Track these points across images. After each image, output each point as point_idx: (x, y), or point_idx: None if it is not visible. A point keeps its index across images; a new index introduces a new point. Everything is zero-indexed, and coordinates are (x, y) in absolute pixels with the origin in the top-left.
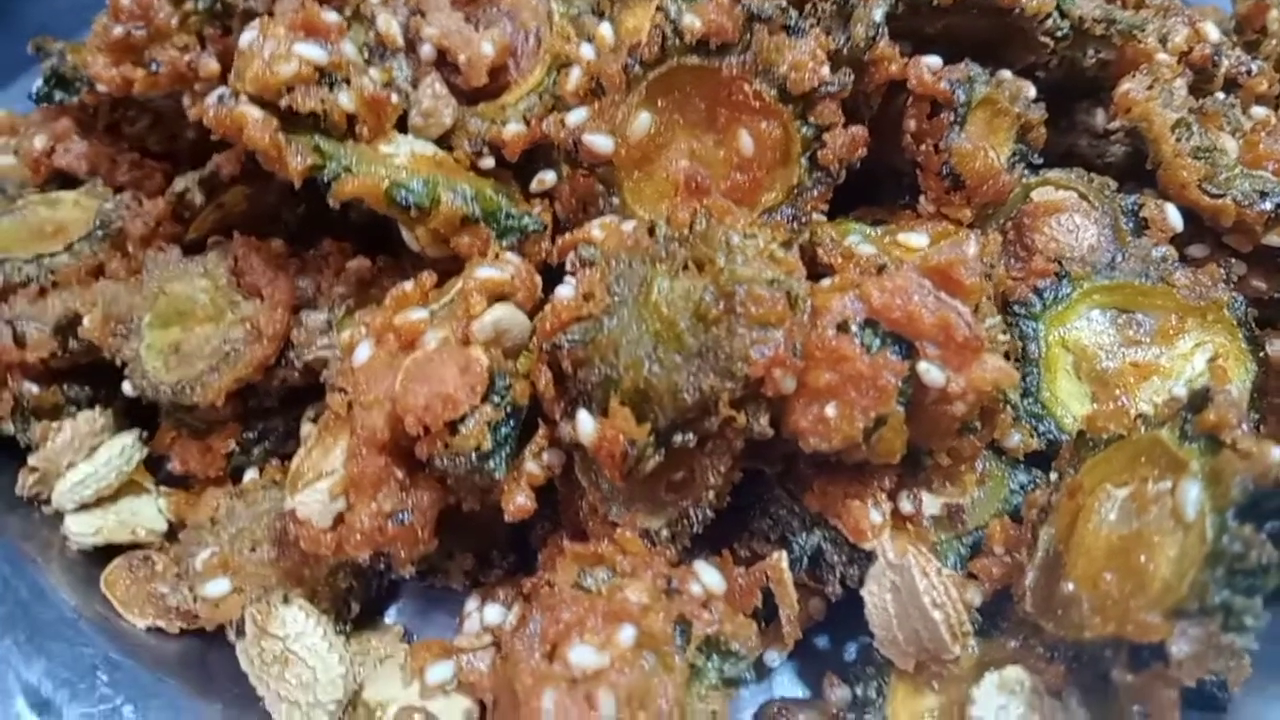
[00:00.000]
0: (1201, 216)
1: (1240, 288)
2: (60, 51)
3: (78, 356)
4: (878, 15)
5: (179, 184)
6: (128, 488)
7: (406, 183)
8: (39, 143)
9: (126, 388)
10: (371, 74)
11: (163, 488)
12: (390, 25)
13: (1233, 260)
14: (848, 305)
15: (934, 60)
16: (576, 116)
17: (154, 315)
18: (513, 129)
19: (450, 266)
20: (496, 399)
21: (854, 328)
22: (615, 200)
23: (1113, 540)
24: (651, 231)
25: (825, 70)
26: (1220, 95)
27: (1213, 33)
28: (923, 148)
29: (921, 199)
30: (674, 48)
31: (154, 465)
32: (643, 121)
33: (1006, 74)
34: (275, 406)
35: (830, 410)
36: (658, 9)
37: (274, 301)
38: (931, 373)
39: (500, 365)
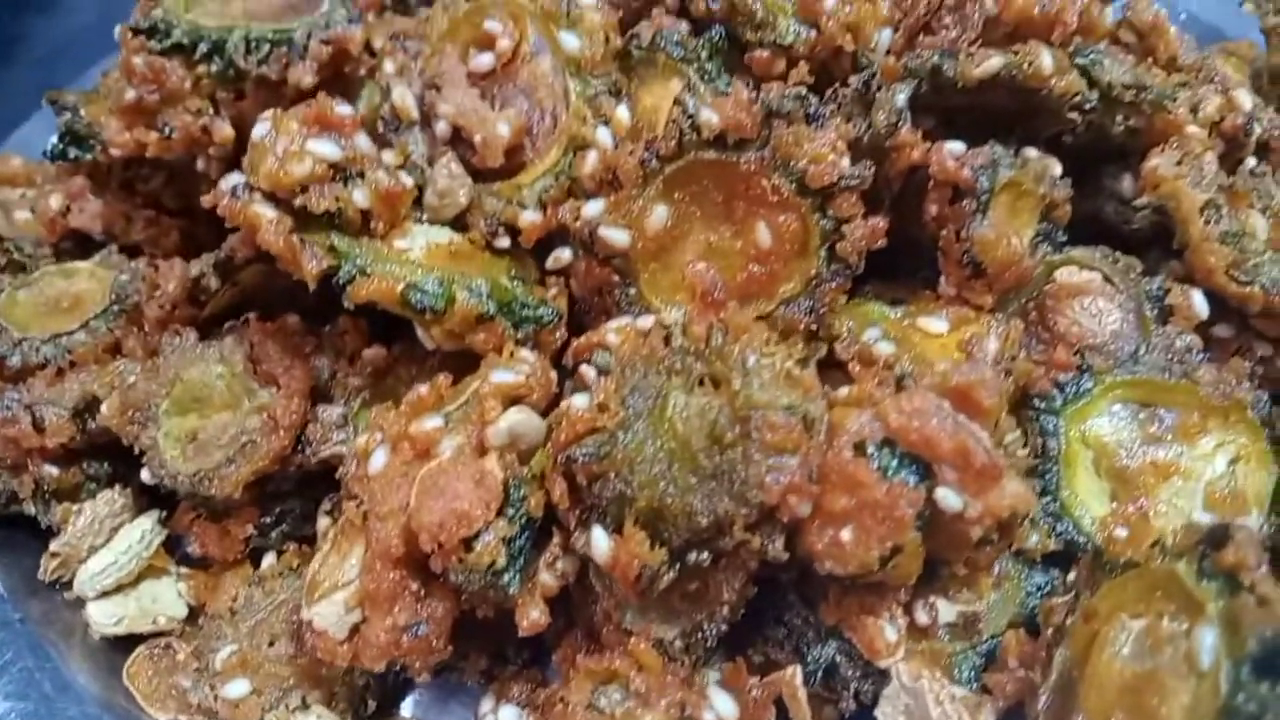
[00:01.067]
0: (1228, 301)
1: (1266, 370)
2: (74, 107)
3: (96, 436)
4: (900, 101)
5: (194, 268)
6: (147, 571)
7: (422, 284)
8: (54, 202)
9: (145, 475)
10: (386, 156)
11: (182, 569)
12: (405, 98)
13: (1257, 342)
14: (865, 425)
15: (957, 146)
16: (593, 208)
17: (171, 403)
18: (529, 217)
19: (465, 358)
20: (511, 511)
21: (871, 448)
22: (631, 290)
23: (1126, 676)
24: (667, 340)
25: (845, 163)
26: (1252, 161)
27: (1245, 101)
28: (944, 233)
29: (942, 281)
30: (691, 142)
31: (173, 542)
32: (659, 215)
33: (1032, 153)
34: (292, 490)
35: (846, 535)
36: (675, 102)
37: (290, 391)
38: (949, 499)
39: (515, 473)
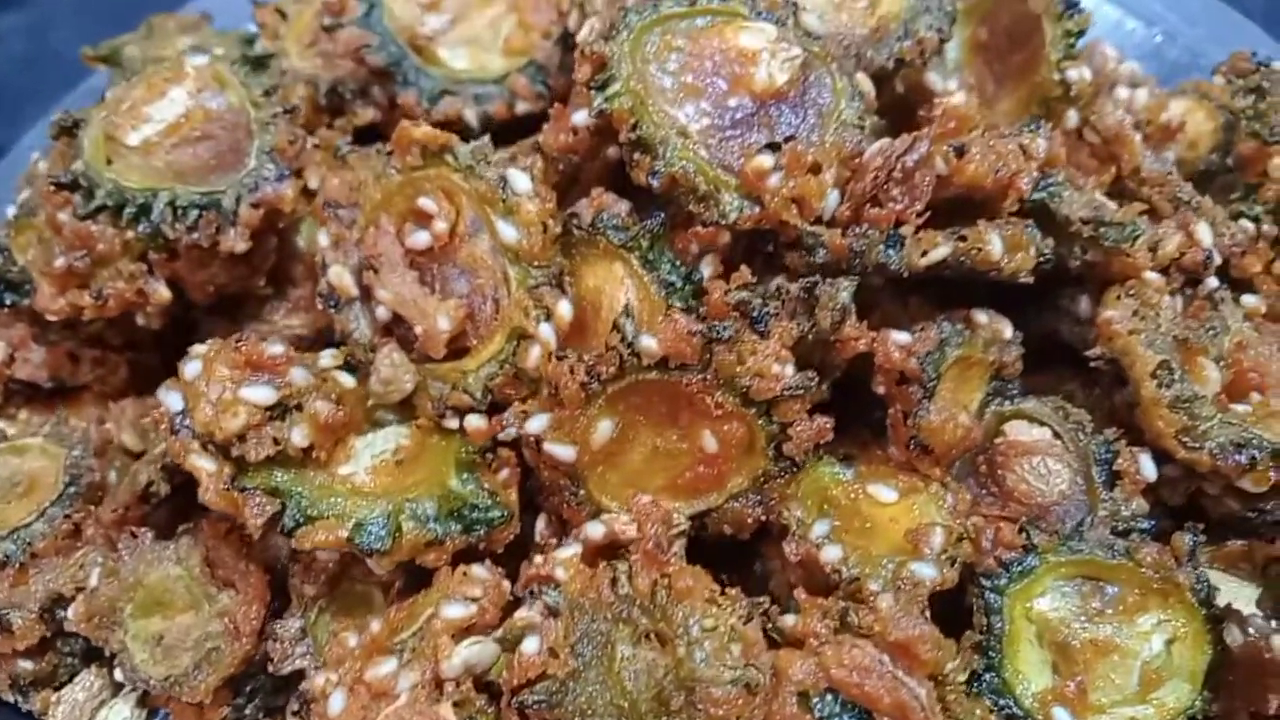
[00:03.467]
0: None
1: (1214, 505)
2: (5, 247)
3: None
4: (844, 299)
5: (142, 476)
6: None
7: (368, 525)
8: None
9: (118, 675)
10: (324, 358)
11: None
12: (343, 278)
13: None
14: (809, 675)
15: (902, 336)
16: (537, 424)
17: (135, 607)
18: (474, 423)
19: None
20: None
21: (815, 698)
22: (580, 491)
23: None
24: (614, 583)
25: (789, 371)
26: (1213, 283)
27: (1205, 238)
28: (891, 411)
29: (891, 448)
30: (633, 366)
31: (151, 712)
32: (604, 429)
33: (981, 317)
34: (260, 668)
35: None
36: (614, 328)
37: (248, 598)
38: None
39: (472, 707)
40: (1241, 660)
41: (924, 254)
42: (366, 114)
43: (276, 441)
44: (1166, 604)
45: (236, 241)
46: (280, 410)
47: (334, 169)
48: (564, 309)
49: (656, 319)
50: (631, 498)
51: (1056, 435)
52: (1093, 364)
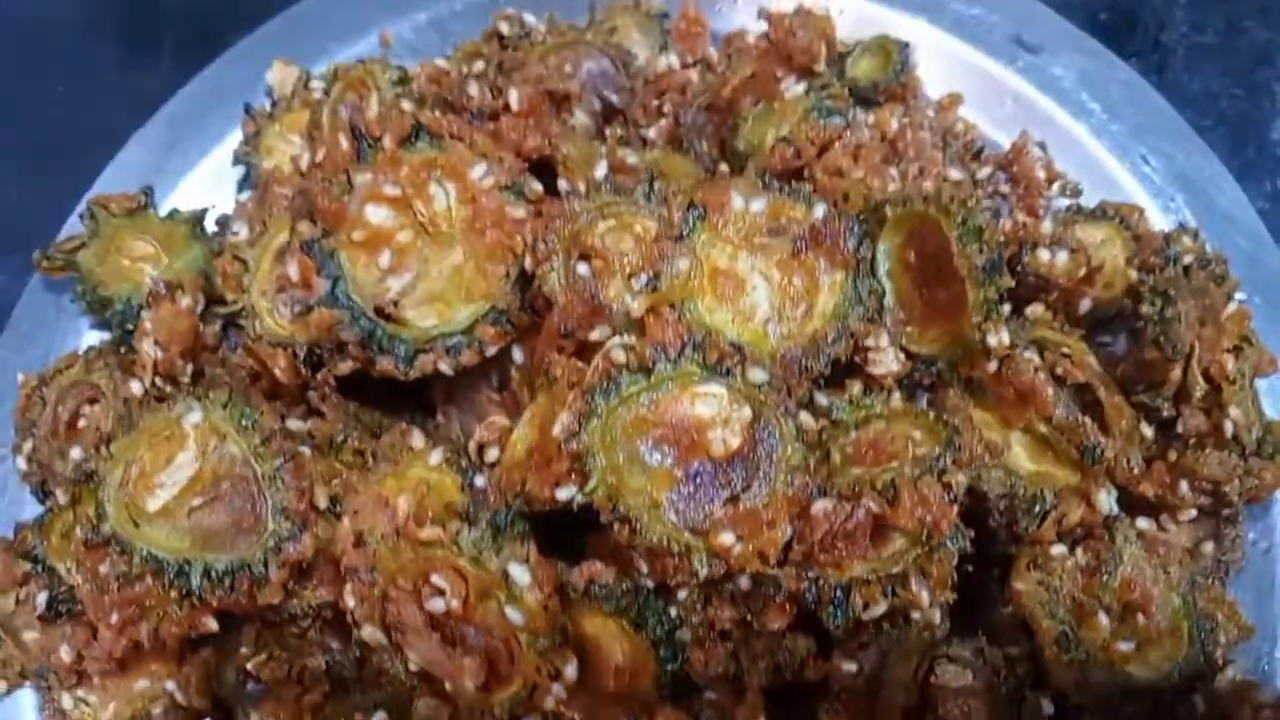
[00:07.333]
0: None
1: None
2: (50, 569)
3: None
4: (803, 652)
5: None
6: None
7: None
8: (65, 656)
9: None
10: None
11: None
12: (375, 636)
13: None
14: None
15: (850, 666)
16: None
17: None
18: None
19: None
20: None
21: None
22: None
23: None
24: None
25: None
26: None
27: (1104, 505)
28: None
29: None
30: None
31: None
32: None
33: (915, 614)
34: None
35: None
36: None
37: None
38: None
39: None
40: None
41: (866, 607)
42: (345, 366)
43: None
44: None
45: (272, 596)
46: None
47: (335, 475)
48: (570, 671)
49: (649, 667)
50: None
51: (975, 676)
52: (1007, 615)
